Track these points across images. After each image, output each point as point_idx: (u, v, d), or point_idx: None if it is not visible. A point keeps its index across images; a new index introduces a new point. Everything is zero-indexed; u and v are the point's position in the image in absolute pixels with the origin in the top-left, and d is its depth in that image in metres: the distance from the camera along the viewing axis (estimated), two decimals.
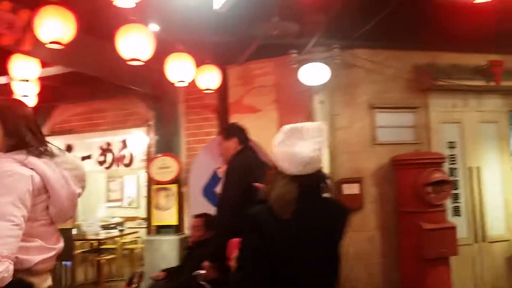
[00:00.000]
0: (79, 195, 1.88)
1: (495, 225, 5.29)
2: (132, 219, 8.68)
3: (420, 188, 4.57)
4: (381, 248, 4.90)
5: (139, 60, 3.40)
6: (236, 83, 5.40)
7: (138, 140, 6.19)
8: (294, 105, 5.12)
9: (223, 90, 5.35)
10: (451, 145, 5.32)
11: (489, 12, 4.65)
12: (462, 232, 5.02)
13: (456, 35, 5.36)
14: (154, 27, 3.73)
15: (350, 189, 4.88)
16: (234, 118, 5.32)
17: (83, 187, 1.92)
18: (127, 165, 6.32)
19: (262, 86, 5.31)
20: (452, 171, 5.24)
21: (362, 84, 5.10)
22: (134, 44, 3.29)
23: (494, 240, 5.25)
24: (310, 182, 1.64)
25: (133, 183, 9.50)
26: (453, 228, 4.59)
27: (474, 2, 2.89)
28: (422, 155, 4.81)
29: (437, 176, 4.61)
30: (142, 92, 5.66)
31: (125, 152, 6.27)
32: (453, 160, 5.29)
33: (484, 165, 5.34)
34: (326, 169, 4.72)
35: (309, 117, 4.92)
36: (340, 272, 1.71)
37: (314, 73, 4.74)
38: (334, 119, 5.01)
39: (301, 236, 1.57)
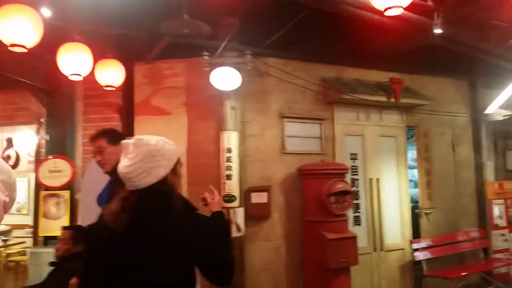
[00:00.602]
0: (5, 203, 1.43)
1: (392, 235, 5.58)
2: (21, 227, 7.72)
3: (323, 197, 4.64)
4: (287, 258, 4.88)
5: (23, 47, 2.93)
6: (143, 82, 5.04)
7: (26, 139, 5.49)
8: (205, 109, 4.92)
9: (128, 89, 4.95)
10: (354, 157, 5.53)
11: (392, 32, 4.94)
12: (362, 241, 5.20)
13: (362, 52, 5.61)
14: (46, 12, 3.27)
15: (259, 197, 4.79)
16: (140, 120, 4.96)
17: (11, 197, 1.46)
18: (13, 167, 5.56)
19: (172, 88, 5.02)
20: (354, 181, 5.44)
21: (273, 92, 5.08)
22: (17, 28, 2.83)
23: (391, 249, 5.54)
24: (144, 197, 1.57)
25: (23, 187, 8.49)
26: (354, 238, 4.73)
27: (384, 14, 2.95)
28: (326, 166, 4.91)
29: (340, 186, 4.72)
30: (33, 86, 5.02)
31: (10, 152, 5.53)
32: (355, 171, 5.49)
33: (383, 176, 5.63)
34: (236, 177, 4.59)
35: (220, 123, 4.76)
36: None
37: (226, 78, 4.59)
38: (245, 126, 4.90)
39: (126, 249, 1.54)
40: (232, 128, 4.73)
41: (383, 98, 5.50)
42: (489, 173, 6.64)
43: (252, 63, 4.72)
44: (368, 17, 4.50)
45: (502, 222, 6.49)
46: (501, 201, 6.54)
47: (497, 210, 6.48)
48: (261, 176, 4.83)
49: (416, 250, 5.58)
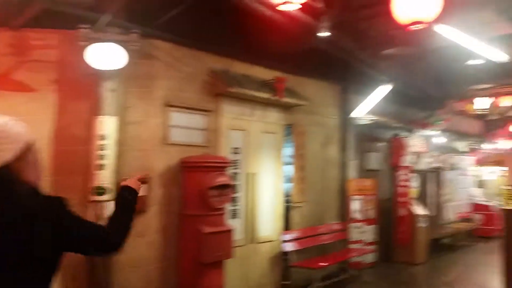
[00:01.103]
0: None
1: (265, 227, 5.80)
2: None
3: (204, 191, 4.56)
4: (162, 253, 4.68)
5: None
6: (5, 51, 4.28)
7: None
8: (79, 89, 4.40)
9: None
10: (236, 151, 5.56)
11: (282, 31, 5.05)
12: (238, 234, 5.28)
13: (252, 47, 5.64)
14: None
15: None
16: None
17: None
18: None
19: (40, 61, 4.35)
20: (235, 175, 5.48)
21: (159, 78, 4.79)
22: None
23: (263, 240, 5.75)
24: None
25: None
26: (230, 231, 4.77)
27: (278, 8, 2.94)
28: (208, 158, 4.84)
29: (220, 180, 4.70)
30: None
31: None
32: (236, 165, 5.54)
33: (261, 171, 5.79)
34: (111, 167, 4.20)
35: (96, 106, 4.30)
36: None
37: (107, 56, 4.14)
38: (126, 112, 4.52)
39: None
40: (109, 112, 4.31)
41: (267, 95, 5.62)
42: (352, 171, 7.36)
43: (138, 43, 4.33)
44: (260, 11, 4.52)
45: (359, 216, 7.27)
46: (360, 197, 7.31)
47: (356, 205, 7.22)
48: (141, 167, 4.51)
49: (285, 241, 5.90)
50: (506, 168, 13.99)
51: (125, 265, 4.33)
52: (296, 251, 5.98)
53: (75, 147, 4.34)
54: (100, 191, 4.16)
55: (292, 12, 4.79)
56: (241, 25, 5.17)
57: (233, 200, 5.38)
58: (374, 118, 7.45)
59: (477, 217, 11.00)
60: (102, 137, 4.23)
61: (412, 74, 7.50)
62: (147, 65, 4.68)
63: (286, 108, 6.13)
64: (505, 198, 13.27)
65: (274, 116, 6.00)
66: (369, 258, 7.24)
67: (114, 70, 4.26)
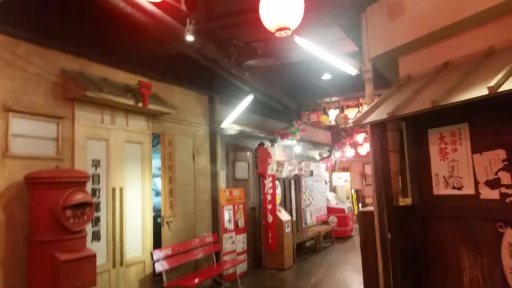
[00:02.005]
0: None
1: (133, 247, 5.22)
2: None
3: (58, 211, 3.86)
4: None
5: None
6: None
7: None
8: None
9: None
10: (96, 163, 4.91)
11: (145, 33, 4.67)
12: (101, 258, 4.63)
13: (112, 48, 5.12)
14: None
15: None
16: None
17: None
18: None
19: None
20: (95, 191, 4.82)
21: None
22: None
23: (132, 263, 5.16)
24: None
25: None
26: (93, 257, 4.11)
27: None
28: (63, 173, 4.13)
29: (79, 197, 4.05)
30: None
31: None
32: (97, 180, 4.88)
33: (127, 185, 5.22)
34: None
35: None
36: None
37: None
38: None
39: None
40: None
41: (131, 102, 5.11)
42: (222, 181, 7.24)
43: None
44: (121, 8, 4.09)
45: (230, 226, 7.15)
46: (230, 206, 7.21)
47: (227, 215, 7.09)
48: None
49: (156, 261, 5.40)
50: (350, 174, 15.71)
51: None
52: (169, 270, 5.52)
53: None
54: None
55: (156, 13, 4.48)
56: (100, 22, 4.63)
57: (94, 220, 4.71)
58: (240, 128, 7.49)
59: (333, 219, 11.98)
60: None
61: (272, 86, 7.80)
62: None
63: (152, 116, 5.69)
64: (353, 201, 14.80)
65: (139, 125, 5.51)
66: (241, 267, 7.17)
67: None
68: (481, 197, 3.06)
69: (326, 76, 7.77)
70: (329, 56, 4.74)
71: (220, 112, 7.23)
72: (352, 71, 4.87)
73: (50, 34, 4.40)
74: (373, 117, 3.43)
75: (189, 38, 4.57)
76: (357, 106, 9.00)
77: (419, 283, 3.50)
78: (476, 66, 2.91)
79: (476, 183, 3.09)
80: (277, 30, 3.08)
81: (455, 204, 3.24)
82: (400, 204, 3.62)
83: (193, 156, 6.64)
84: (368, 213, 4.42)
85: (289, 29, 3.05)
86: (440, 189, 3.40)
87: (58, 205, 3.86)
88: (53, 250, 3.80)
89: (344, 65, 4.85)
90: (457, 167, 3.27)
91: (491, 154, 3.00)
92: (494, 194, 2.97)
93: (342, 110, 9.72)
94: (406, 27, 3.58)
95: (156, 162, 6.49)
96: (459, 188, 3.25)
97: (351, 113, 9.56)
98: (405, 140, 3.75)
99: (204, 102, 7.10)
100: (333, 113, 9.83)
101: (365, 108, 9.17)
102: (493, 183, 2.98)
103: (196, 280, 5.52)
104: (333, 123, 9.76)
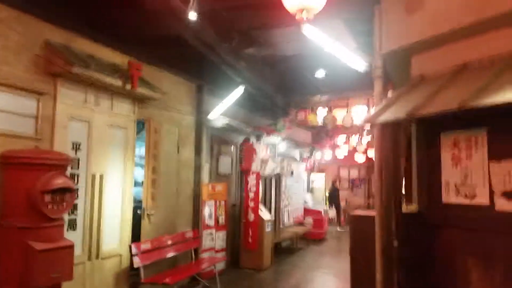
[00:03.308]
0: None
1: (110, 240, 4.86)
2: None
3: (36, 196, 3.50)
4: None
5: None
6: None
7: None
8: None
9: None
10: (77, 147, 4.53)
11: (142, 9, 4.35)
12: (77, 249, 4.24)
13: (102, 23, 4.75)
14: None
15: None
16: None
17: None
18: None
19: None
20: (74, 177, 4.44)
21: None
22: None
23: (108, 255, 4.80)
24: None
25: None
26: (71, 248, 3.76)
27: None
28: (42, 154, 3.76)
29: (59, 182, 3.70)
30: None
31: None
32: (76, 165, 4.50)
33: (109, 173, 4.86)
34: None
35: None
36: None
37: None
38: None
39: None
40: None
41: (118, 83, 4.75)
42: (205, 175, 6.93)
43: None
44: None
45: (211, 222, 6.86)
46: (212, 202, 6.92)
47: (208, 210, 6.80)
48: None
49: (134, 255, 5.05)
50: (324, 176, 15.65)
51: None
52: (147, 265, 5.18)
53: None
54: None
55: None
56: None
57: (72, 208, 4.34)
58: (228, 121, 7.21)
59: (309, 221, 11.85)
60: None
61: (263, 78, 7.56)
62: None
63: (139, 100, 5.33)
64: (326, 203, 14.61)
65: (124, 108, 5.14)
66: (219, 265, 6.89)
67: None
68: (496, 208, 2.91)
69: (320, 73, 7.58)
70: (339, 49, 4.48)
71: (207, 102, 6.92)
72: (361, 66, 4.62)
73: (36, 2, 4.00)
74: (387, 116, 3.23)
75: (192, 15, 4.24)
76: (346, 106, 8.86)
77: None
78: (508, 67, 2.75)
79: (491, 193, 2.95)
80: (298, 11, 2.83)
81: (466, 213, 3.08)
82: (403, 211, 3.46)
83: (178, 146, 6.30)
84: (362, 218, 4.22)
85: (312, 10, 2.80)
86: (450, 197, 3.24)
87: (36, 189, 3.50)
88: (27, 238, 3.44)
89: (354, 60, 4.60)
90: (470, 175, 3.12)
91: (511, 163, 2.86)
92: (511, 206, 2.84)
93: (330, 110, 9.53)
94: (426, 22, 3.38)
95: (137, 150, 6.11)
96: (471, 198, 3.10)
97: (340, 114, 9.41)
98: (413, 143, 3.59)
99: (192, 90, 6.78)
100: (321, 112, 9.58)
101: (360, 108, 9.06)
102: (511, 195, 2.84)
103: (175, 277, 5.21)
104: (320, 123, 9.55)
